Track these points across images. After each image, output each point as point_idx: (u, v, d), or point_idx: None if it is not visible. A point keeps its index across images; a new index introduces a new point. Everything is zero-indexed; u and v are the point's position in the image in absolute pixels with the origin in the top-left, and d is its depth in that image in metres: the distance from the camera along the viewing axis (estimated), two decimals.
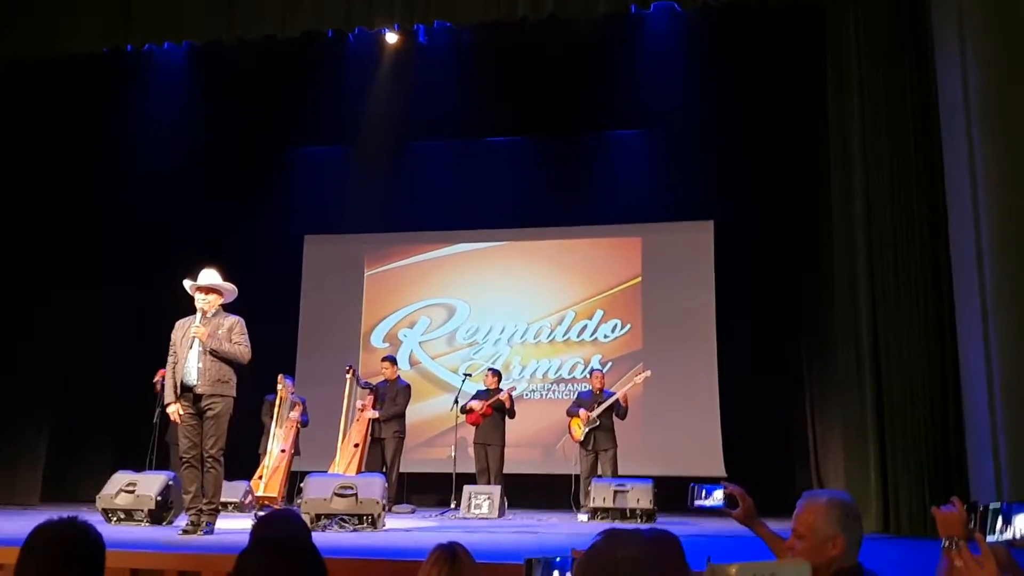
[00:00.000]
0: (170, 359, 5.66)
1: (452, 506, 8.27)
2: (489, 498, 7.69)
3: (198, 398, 5.50)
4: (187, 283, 5.75)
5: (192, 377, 5.49)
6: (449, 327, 10.97)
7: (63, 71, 8.61)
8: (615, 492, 7.46)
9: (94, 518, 6.14)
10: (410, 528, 6.36)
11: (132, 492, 6.15)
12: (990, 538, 1.88)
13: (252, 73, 9.64)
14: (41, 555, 1.80)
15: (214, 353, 5.53)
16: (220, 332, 5.60)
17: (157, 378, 8.44)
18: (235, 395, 5.67)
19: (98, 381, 9.51)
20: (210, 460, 5.49)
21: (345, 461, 8.24)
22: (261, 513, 2.11)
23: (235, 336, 5.65)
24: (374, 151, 10.84)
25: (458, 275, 11.10)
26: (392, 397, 8.74)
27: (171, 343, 5.70)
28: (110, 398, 9.56)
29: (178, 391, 5.52)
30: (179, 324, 5.73)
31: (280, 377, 8.56)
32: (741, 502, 2.74)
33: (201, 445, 5.51)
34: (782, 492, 8.89)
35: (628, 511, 7.36)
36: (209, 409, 5.50)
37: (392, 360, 9.17)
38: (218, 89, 10.02)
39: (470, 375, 9.48)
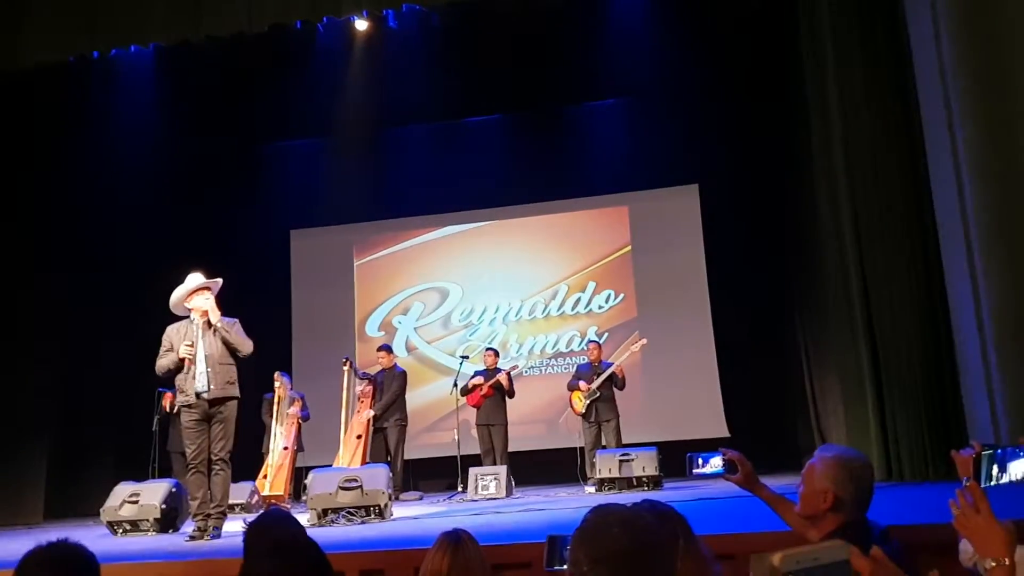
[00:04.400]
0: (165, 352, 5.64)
1: (459, 489, 8.29)
2: (496, 478, 7.70)
3: (210, 403, 5.48)
4: (179, 292, 5.67)
5: (203, 383, 5.46)
6: (443, 310, 10.96)
7: (33, 82, 8.52)
8: (620, 462, 7.48)
9: (99, 532, 6.17)
10: (418, 515, 6.37)
11: (136, 502, 6.13)
12: (985, 484, 1.88)
13: (224, 71, 9.58)
14: None
15: (225, 342, 5.52)
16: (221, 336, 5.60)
17: (166, 402, 8.44)
18: (240, 397, 5.67)
19: (95, 395, 9.50)
20: (219, 463, 5.48)
21: (349, 453, 8.23)
22: (250, 518, 2.09)
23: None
24: (353, 140, 10.79)
25: (448, 258, 11.07)
26: (389, 386, 8.74)
27: (164, 344, 5.66)
28: (109, 411, 9.56)
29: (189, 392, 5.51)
30: (174, 329, 5.67)
31: (277, 375, 8.54)
32: (740, 467, 2.74)
33: (208, 450, 5.49)
34: (785, 448, 8.98)
35: (634, 479, 7.38)
36: (219, 413, 5.50)
37: (387, 349, 9.16)
38: (191, 90, 9.96)
39: (467, 357, 9.48)
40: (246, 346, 5.65)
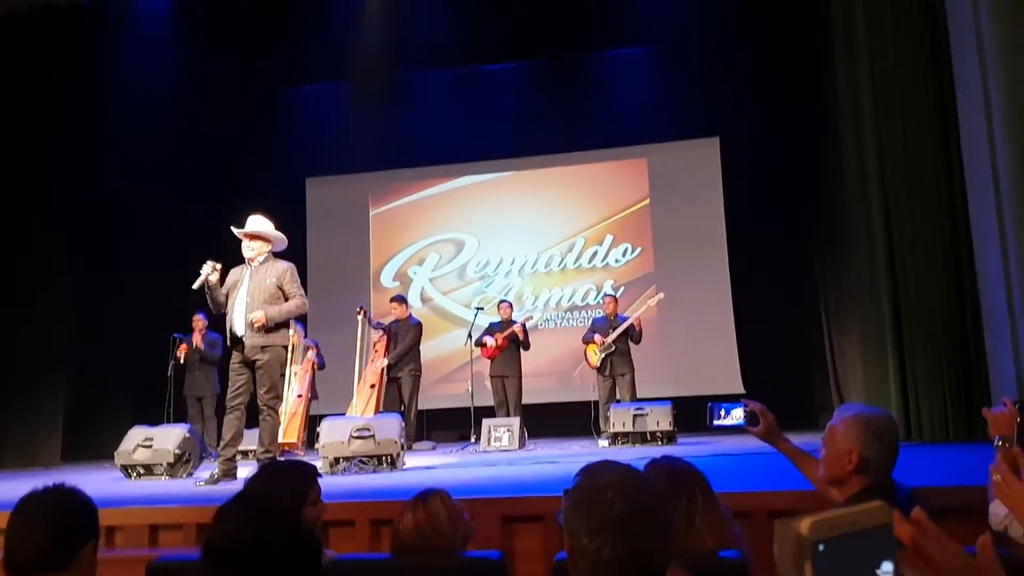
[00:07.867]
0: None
1: (472, 440, 8.28)
2: (509, 430, 7.68)
3: (245, 348, 5.46)
4: (235, 229, 5.69)
5: (240, 328, 5.45)
6: (459, 262, 10.88)
7: (49, 24, 8.42)
8: (634, 416, 7.44)
9: (114, 475, 6.20)
10: (431, 466, 6.36)
11: (150, 447, 6.15)
12: None
13: (238, 14, 9.40)
14: (30, 526, 1.77)
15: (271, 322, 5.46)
16: (268, 282, 5.55)
17: (179, 353, 8.45)
18: (286, 344, 5.61)
19: (112, 338, 9.52)
20: (265, 409, 5.45)
21: (363, 402, 8.23)
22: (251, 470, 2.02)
23: (286, 285, 5.60)
24: (370, 85, 10.57)
25: (464, 208, 10.96)
26: (403, 337, 8.70)
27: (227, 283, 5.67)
28: (125, 354, 9.59)
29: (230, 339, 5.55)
30: (236, 270, 5.69)
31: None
32: (762, 419, 2.64)
33: (249, 393, 5.48)
34: (802, 405, 8.90)
35: (648, 434, 7.34)
36: (258, 359, 5.45)
37: (401, 299, 9.08)
38: (204, 34, 9.81)
39: (482, 308, 9.41)
40: (297, 310, 5.60)
